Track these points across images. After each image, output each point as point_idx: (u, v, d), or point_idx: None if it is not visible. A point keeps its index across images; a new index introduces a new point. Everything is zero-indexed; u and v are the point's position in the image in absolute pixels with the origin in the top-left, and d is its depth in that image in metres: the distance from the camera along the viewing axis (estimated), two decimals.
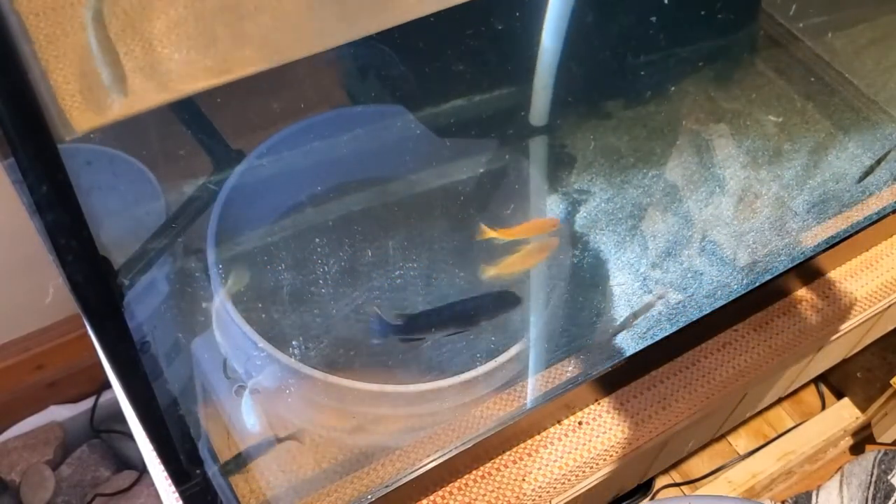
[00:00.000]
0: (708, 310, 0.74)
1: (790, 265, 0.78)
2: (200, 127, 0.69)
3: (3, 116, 0.29)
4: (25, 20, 0.29)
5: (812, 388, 1.41)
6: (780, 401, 1.36)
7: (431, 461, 0.63)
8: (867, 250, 0.86)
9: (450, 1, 0.39)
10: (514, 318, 0.72)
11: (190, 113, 0.68)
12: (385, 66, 0.74)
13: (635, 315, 0.74)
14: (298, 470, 0.65)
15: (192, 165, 0.71)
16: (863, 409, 1.32)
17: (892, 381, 1.21)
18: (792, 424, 1.35)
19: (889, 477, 1.14)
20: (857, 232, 0.81)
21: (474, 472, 0.69)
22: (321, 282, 0.72)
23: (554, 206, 0.78)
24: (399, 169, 0.79)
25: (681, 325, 0.73)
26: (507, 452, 0.70)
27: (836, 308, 0.82)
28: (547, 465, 0.69)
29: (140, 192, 0.69)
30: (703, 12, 0.82)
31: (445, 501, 0.67)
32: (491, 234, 0.67)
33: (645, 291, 0.76)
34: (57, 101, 0.31)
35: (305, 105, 0.79)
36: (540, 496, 0.69)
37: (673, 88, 0.92)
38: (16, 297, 1.03)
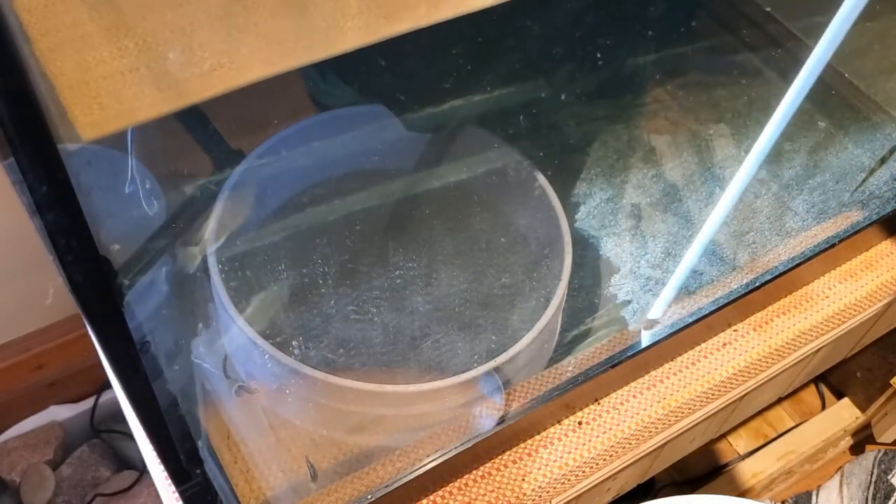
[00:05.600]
0: (708, 310, 0.74)
1: (790, 265, 0.78)
2: (200, 127, 0.69)
3: (3, 116, 0.29)
4: (20, 16, 0.29)
5: (812, 388, 1.41)
6: (780, 401, 1.36)
7: (431, 461, 0.63)
8: (867, 250, 0.86)
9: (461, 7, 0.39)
10: (514, 318, 0.72)
11: (190, 113, 0.68)
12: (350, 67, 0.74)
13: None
14: (298, 470, 0.65)
15: (192, 165, 0.71)
16: (863, 409, 1.32)
17: (892, 381, 1.21)
18: (792, 424, 1.35)
19: (889, 477, 1.14)
20: (856, 232, 0.81)
21: (474, 472, 0.69)
22: (321, 281, 0.72)
23: (554, 205, 0.78)
24: (400, 168, 0.79)
25: (681, 325, 0.73)
26: (507, 452, 0.70)
27: (836, 308, 0.82)
28: (547, 465, 0.69)
29: (140, 192, 0.69)
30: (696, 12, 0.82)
31: (445, 501, 0.67)
32: None
33: (645, 290, 0.76)
34: (60, 102, 0.31)
35: (306, 105, 0.79)
36: (540, 496, 0.69)
37: (672, 87, 0.92)
38: (16, 297, 1.03)
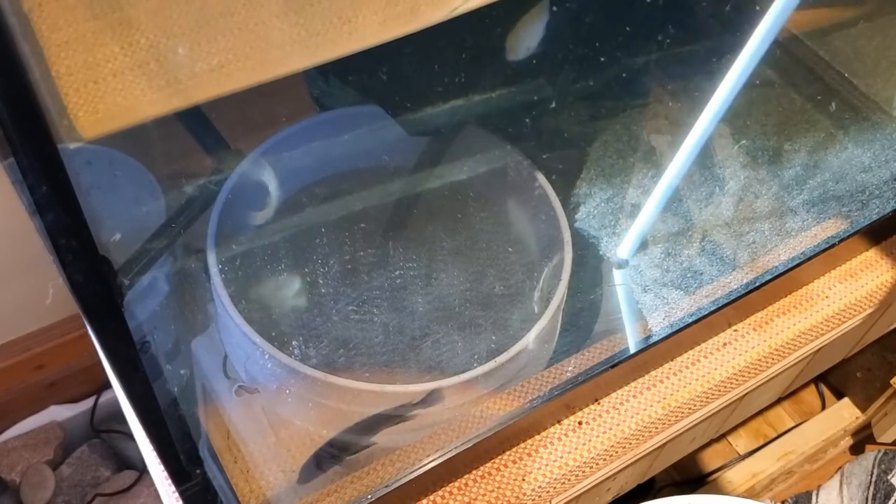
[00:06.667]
0: (708, 310, 0.74)
1: (790, 265, 0.78)
2: (200, 127, 0.69)
3: (3, 116, 0.29)
4: (27, 12, 0.29)
5: (812, 388, 1.41)
6: (780, 401, 1.36)
7: (431, 461, 0.63)
8: (867, 250, 0.86)
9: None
10: (515, 318, 0.72)
11: (190, 113, 0.68)
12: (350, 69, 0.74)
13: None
14: (299, 470, 0.65)
15: (192, 165, 0.71)
16: (863, 409, 1.32)
17: (892, 381, 1.21)
18: (792, 424, 1.35)
19: (889, 477, 1.14)
20: (856, 231, 0.81)
21: (474, 472, 0.69)
22: (321, 281, 0.72)
23: (554, 205, 0.78)
24: (400, 168, 0.79)
25: (681, 325, 0.73)
26: (507, 452, 0.70)
27: (836, 308, 0.82)
28: (547, 465, 0.69)
29: (140, 192, 0.69)
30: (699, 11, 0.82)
31: (445, 501, 0.67)
32: None
33: (644, 290, 0.76)
34: (61, 98, 0.31)
35: (306, 105, 0.79)
36: (540, 496, 0.69)
37: (671, 88, 0.92)
38: (16, 297, 1.03)
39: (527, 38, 0.73)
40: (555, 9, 0.72)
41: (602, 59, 0.78)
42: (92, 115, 0.32)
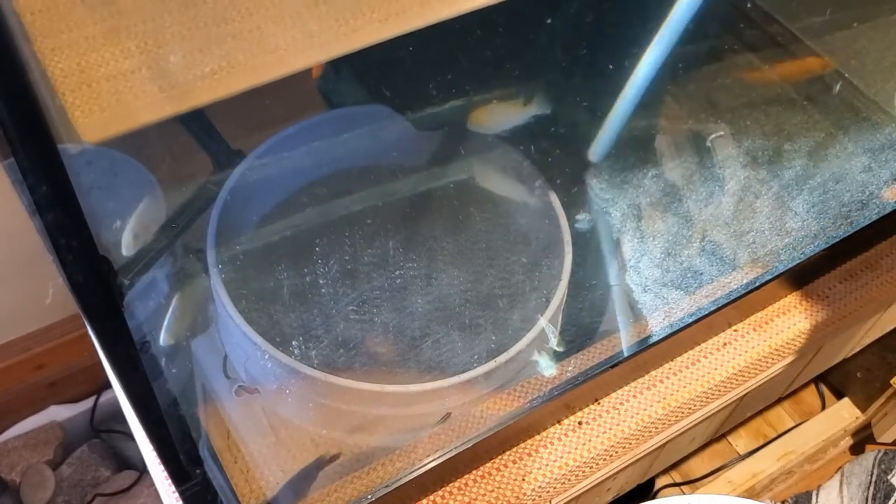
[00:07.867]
0: (708, 310, 0.74)
1: (790, 265, 0.78)
2: (200, 127, 0.69)
3: (3, 116, 0.29)
4: (22, 18, 0.29)
5: (812, 388, 1.41)
6: (780, 401, 1.37)
7: (431, 461, 0.63)
8: (867, 250, 0.86)
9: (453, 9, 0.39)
10: (514, 318, 0.72)
11: (190, 113, 0.67)
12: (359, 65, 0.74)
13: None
14: (299, 470, 0.65)
15: (192, 165, 0.71)
16: (863, 409, 1.32)
17: (892, 381, 1.21)
18: (792, 424, 1.35)
19: (889, 477, 1.14)
20: (856, 232, 0.81)
21: (474, 471, 0.69)
22: (321, 281, 0.72)
23: (554, 206, 0.78)
24: (400, 168, 0.79)
25: (681, 325, 0.73)
26: (507, 452, 0.70)
27: (836, 308, 0.82)
28: (547, 465, 0.70)
29: (140, 193, 0.69)
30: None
31: (445, 501, 0.67)
32: None
33: (644, 290, 0.76)
34: (60, 102, 0.31)
35: (306, 105, 0.79)
36: (540, 496, 0.69)
37: (672, 88, 0.92)
38: (16, 297, 1.03)
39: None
40: (557, 8, 0.72)
41: (603, 58, 0.78)
42: (89, 119, 0.32)
